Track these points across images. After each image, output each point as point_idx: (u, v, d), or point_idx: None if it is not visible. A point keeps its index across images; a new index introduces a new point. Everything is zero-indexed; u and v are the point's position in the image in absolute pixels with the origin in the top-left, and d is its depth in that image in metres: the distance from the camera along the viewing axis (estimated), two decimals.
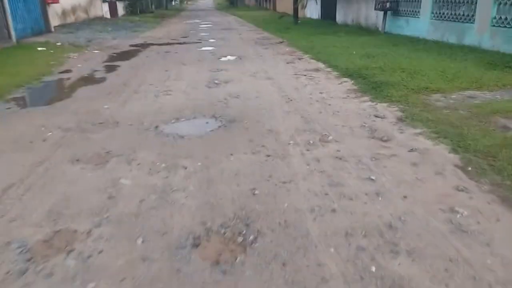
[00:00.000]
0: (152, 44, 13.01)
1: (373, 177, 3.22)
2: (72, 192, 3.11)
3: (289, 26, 17.77)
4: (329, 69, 7.99)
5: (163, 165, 3.56)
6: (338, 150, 3.82)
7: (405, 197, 2.92)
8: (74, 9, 19.04)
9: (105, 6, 24.62)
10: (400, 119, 4.69)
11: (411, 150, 3.76)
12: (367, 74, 6.98)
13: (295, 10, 18.94)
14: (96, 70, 8.45)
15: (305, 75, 7.47)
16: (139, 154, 3.83)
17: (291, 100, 5.71)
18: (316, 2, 19.01)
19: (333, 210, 2.76)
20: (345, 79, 7.04)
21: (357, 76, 7.05)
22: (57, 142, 4.22)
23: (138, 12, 31.62)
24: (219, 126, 4.64)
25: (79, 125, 4.76)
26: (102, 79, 7.56)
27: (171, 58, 10.04)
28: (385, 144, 3.97)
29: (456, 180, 3.15)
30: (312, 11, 22.11)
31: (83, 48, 12.01)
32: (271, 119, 4.88)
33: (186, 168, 3.49)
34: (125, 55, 10.68)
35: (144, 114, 5.13)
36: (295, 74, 7.57)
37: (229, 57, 10.01)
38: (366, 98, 5.76)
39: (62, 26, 17.07)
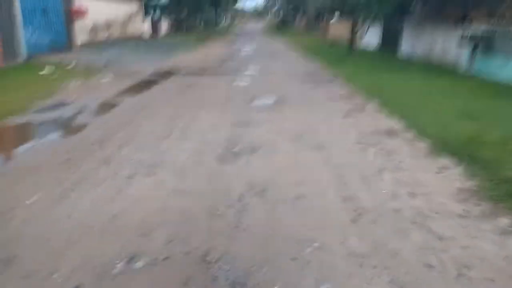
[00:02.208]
0: (179, 72, 10.87)
1: None
2: None
3: (343, 57, 15.17)
4: (410, 134, 5.27)
5: None
6: None
7: None
8: (108, 25, 17.61)
9: (147, 23, 23.31)
10: None
11: None
12: (485, 156, 4.21)
13: (351, 38, 16.31)
14: (83, 111, 6.25)
15: (375, 145, 4.80)
16: None
17: (361, 214, 3.06)
18: (381, 22, 16.15)
19: None
20: (445, 160, 4.30)
21: (465, 156, 4.30)
22: None
23: (185, 30, 30.41)
24: None
25: None
26: (78, 129, 5.30)
27: (191, 95, 7.73)
28: None
29: None
30: (369, 39, 19.42)
31: (95, 73, 10.07)
32: (328, 278, 2.27)
33: None
34: (138, 87, 8.53)
35: (74, 240, 2.69)
36: (359, 142, 4.92)
37: (265, 99, 7.54)
38: (505, 219, 3.01)
39: (90, 43, 15.53)
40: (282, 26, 48.56)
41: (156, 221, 2.89)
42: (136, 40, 19.17)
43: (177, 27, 29.50)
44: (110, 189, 3.37)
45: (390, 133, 5.36)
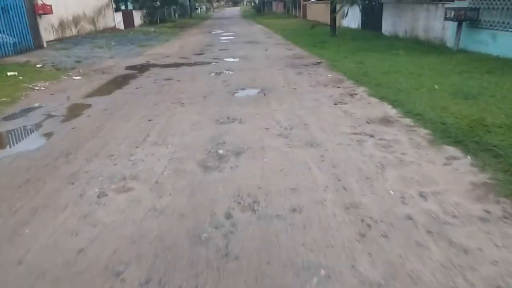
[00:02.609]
0: (155, 66, 10.25)
1: None
2: None
3: (325, 39, 14.69)
4: (408, 121, 4.87)
5: None
6: None
7: None
8: (76, 21, 16.67)
9: (118, 16, 22.33)
10: None
11: None
12: (494, 142, 3.83)
13: (333, 20, 15.80)
14: (50, 117, 5.66)
15: (372, 136, 4.39)
16: None
17: (369, 225, 2.64)
18: (359, 6, 15.70)
19: None
20: (450, 148, 3.91)
21: (471, 143, 3.92)
22: None
23: (158, 21, 29.38)
24: None
25: None
26: (42, 141, 4.73)
27: (169, 91, 7.17)
28: None
29: None
30: (351, 19, 18.94)
31: (65, 72, 9.38)
32: None
33: None
34: (111, 85, 7.92)
35: None
36: (355, 133, 4.50)
37: (248, 90, 7.04)
38: None
39: (58, 40, 14.67)
40: (259, 10, 47.64)
41: (130, 254, 2.41)
42: (109, 34, 18.27)
43: (151, 18, 28.43)
44: (74, 217, 2.87)
45: (386, 120, 4.95)
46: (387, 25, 15.16)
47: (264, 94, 6.59)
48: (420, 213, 2.76)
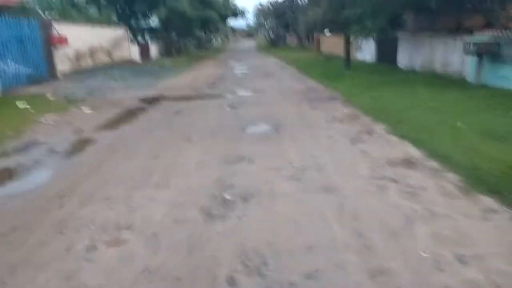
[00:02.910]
0: (166, 98, 10.09)
1: None
2: None
3: (340, 72, 14.48)
4: (433, 164, 4.44)
5: None
6: None
7: None
8: (92, 52, 16.91)
9: (134, 48, 22.70)
10: None
11: None
12: None
13: (347, 52, 15.66)
14: (52, 152, 5.41)
15: (395, 181, 3.97)
16: None
17: None
18: (374, 39, 15.55)
19: None
20: (486, 199, 3.46)
21: (511, 194, 3.47)
22: None
23: (175, 53, 29.86)
24: None
25: None
26: (39, 179, 4.43)
27: (178, 125, 6.91)
28: None
29: None
30: (365, 52, 18.84)
31: (75, 104, 9.27)
32: None
33: None
34: (120, 118, 7.71)
35: None
36: (375, 177, 4.08)
37: (260, 125, 6.73)
38: None
39: (74, 71, 14.79)
40: (274, 43, 48.38)
41: None
42: (124, 66, 18.46)
43: (167, 50, 28.94)
44: (55, 278, 2.50)
45: (409, 163, 4.53)
46: (403, 59, 14.93)
47: (276, 131, 6.26)
48: (461, 285, 2.30)
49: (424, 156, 4.71)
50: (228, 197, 3.68)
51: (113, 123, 7.25)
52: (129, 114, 8.10)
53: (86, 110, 8.66)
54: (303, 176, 4.17)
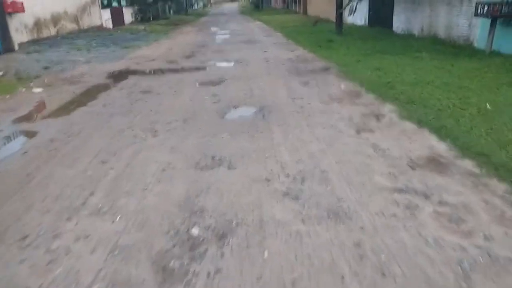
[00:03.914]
0: (135, 73, 8.73)
1: None
2: None
3: (331, 38, 13.15)
4: (469, 164, 3.39)
5: None
6: None
7: None
8: (55, 19, 15.09)
9: (106, 14, 20.72)
10: None
11: None
12: None
13: (339, 16, 14.24)
14: None
15: (426, 196, 2.90)
16: None
17: None
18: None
19: None
20: None
21: None
22: None
23: (151, 18, 27.75)
24: None
25: None
26: None
27: (143, 109, 5.67)
28: None
29: None
30: (356, 15, 17.38)
31: (27, 81, 7.87)
32: None
33: None
34: (74, 101, 6.40)
35: None
36: (398, 189, 3.00)
37: (243, 108, 5.55)
38: None
39: (34, 42, 13.12)
40: (257, 5, 46.00)
41: None
42: (93, 34, 16.70)
43: (143, 15, 26.80)
44: None
45: (437, 163, 3.46)
46: (400, 22, 13.63)
47: (263, 116, 5.09)
48: None
49: (454, 153, 3.64)
50: (196, 232, 2.57)
51: (65, 108, 5.96)
52: (87, 95, 6.79)
53: (37, 89, 7.29)
54: (302, 191, 3.06)
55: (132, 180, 3.37)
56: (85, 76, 8.44)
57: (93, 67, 9.55)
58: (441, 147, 3.80)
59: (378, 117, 4.84)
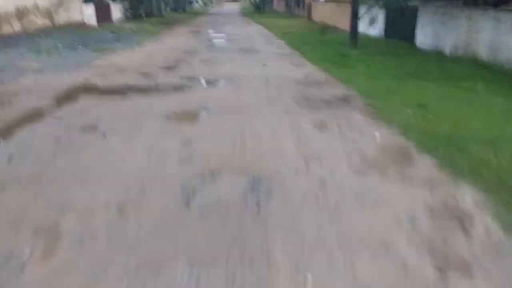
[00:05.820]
0: (91, 91, 6.55)
1: None
2: None
3: (344, 51, 11.03)
4: None
5: None
6: None
7: None
8: (21, 14, 12.89)
9: (89, 9, 18.48)
10: None
11: None
12: None
13: (354, 26, 12.12)
14: None
15: None
16: None
17: None
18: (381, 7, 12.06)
19: None
20: None
21: None
22: None
23: (143, 16, 25.52)
24: None
25: None
26: None
27: (62, 175, 3.49)
28: None
29: None
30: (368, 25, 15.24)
31: None
32: None
33: None
34: None
35: None
36: None
37: (224, 183, 3.36)
38: None
39: None
40: (259, 7, 43.88)
41: None
42: (67, 32, 14.47)
43: (135, 12, 24.58)
44: None
45: None
46: (425, 36, 11.54)
47: (257, 206, 2.91)
48: None
49: None
50: None
51: None
52: (1, 129, 4.59)
53: None
54: None
55: None
56: (22, 94, 6.25)
57: (42, 79, 7.36)
58: None
59: (463, 223, 2.69)
